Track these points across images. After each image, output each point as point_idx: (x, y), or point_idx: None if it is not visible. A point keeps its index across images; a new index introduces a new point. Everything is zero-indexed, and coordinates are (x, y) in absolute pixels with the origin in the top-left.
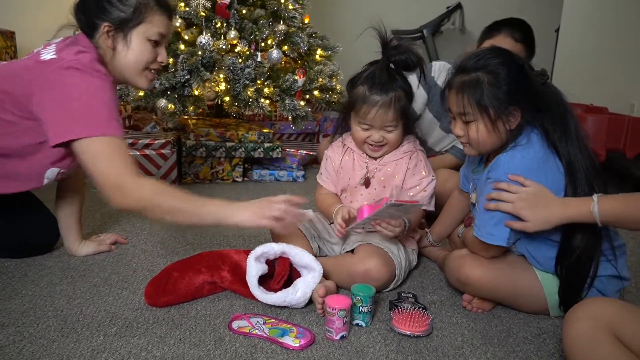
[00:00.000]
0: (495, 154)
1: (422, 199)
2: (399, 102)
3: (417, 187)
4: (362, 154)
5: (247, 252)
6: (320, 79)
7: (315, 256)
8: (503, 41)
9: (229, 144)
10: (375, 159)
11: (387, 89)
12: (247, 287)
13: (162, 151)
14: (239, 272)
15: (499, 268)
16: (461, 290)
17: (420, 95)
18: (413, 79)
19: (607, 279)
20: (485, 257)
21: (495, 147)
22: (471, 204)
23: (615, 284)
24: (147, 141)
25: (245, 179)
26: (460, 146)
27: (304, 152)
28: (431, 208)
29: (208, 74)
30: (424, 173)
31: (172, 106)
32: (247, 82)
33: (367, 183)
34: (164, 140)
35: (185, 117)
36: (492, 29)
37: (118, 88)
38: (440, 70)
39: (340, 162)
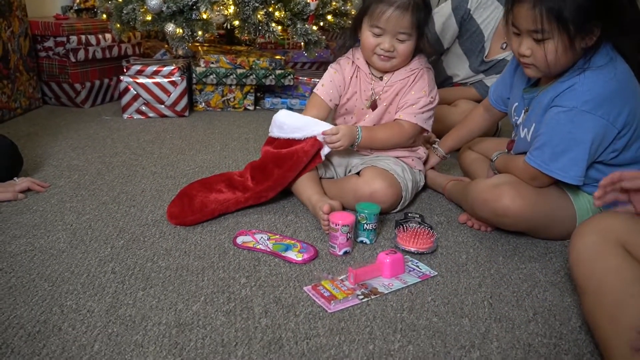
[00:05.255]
0: (554, 76)
1: (410, 114)
2: (417, 10)
3: (413, 106)
4: (368, 73)
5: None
6: (334, 3)
7: (320, 178)
8: None
9: (239, 71)
10: (382, 79)
11: None
12: (275, 169)
13: (172, 78)
14: (262, 170)
15: (537, 196)
16: (493, 223)
17: (450, 27)
18: (447, 6)
19: None
20: (535, 186)
21: (566, 69)
22: (516, 124)
23: None
24: (155, 67)
25: (257, 107)
26: (488, 83)
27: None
28: (427, 127)
29: None
30: (422, 93)
31: (180, 30)
32: (257, 4)
33: (373, 105)
34: (173, 67)
35: (196, 44)
36: None
37: (125, 12)
38: (479, 3)
39: (351, 79)
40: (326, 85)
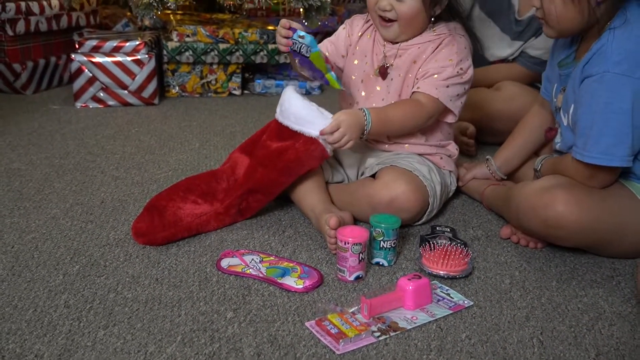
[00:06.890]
0: (588, 42)
1: (430, 86)
2: None
3: (435, 76)
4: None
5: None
6: None
7: (327, 183)
8: None
9: (222, 46)
10: (394, 43)
11: None
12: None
13: (137, 56)
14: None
15: (599, 200)
16: (543, 238)
17: None
18: None
19: None
20: (595, 187)
21: (578, 27)
22: (555, 109)
23: None
24: (116, 43)
25: (245, 91)
26: (532, 52)
27: None
28: (453, 109)
29: None
30: (448, 62)
31: None
32: None
33: (382, 73)
34: (138, 42)
35: (167, 11)
36: None
37: None
38: None
39: (359, 38)
40: (330, 40)
